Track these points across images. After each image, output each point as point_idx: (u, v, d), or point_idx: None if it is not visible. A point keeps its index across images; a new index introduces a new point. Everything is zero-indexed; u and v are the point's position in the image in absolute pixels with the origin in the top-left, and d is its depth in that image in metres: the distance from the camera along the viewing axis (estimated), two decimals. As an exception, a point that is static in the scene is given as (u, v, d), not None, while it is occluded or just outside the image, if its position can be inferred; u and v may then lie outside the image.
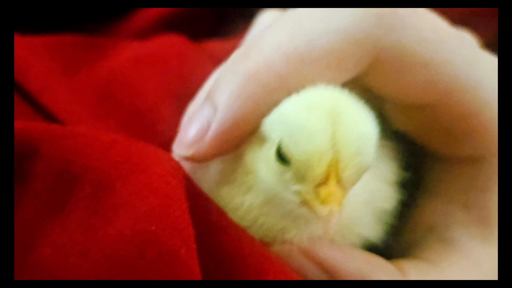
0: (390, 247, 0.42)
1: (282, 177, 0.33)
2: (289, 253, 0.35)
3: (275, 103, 0.34)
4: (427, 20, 0.37)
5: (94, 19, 0.58)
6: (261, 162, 0.34)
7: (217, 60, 0.49)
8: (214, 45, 0.53)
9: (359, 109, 0.33)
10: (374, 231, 0.39)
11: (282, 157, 0.32)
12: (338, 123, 0.31)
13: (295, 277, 0.35)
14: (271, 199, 0.34)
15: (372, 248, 0.39)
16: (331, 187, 0.31)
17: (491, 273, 0.39)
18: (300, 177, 0.32)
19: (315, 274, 0.35)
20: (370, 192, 0.37)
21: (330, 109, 0.32)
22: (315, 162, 0.31)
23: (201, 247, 0.32)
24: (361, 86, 0.37)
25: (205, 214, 0.33)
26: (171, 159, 0.34)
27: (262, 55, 0.34)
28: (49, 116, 0.44)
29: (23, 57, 0.45)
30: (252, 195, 0.35)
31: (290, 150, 0.31)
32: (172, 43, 0.52)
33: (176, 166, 0.34)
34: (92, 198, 0.32)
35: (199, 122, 0.34)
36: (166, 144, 0.42)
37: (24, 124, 0.33)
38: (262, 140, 0.34)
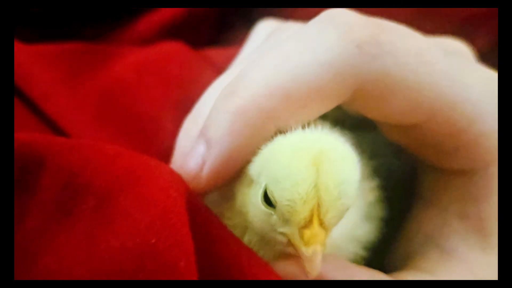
0: (387, 259, 0.42)
1: (268, 219, 0.34)
2: (292, 271, 0.35)
3: (264, 138, 0.35)
4: (408, 42, 0.37)
5: (97, 23, 0.59)
6: (249, 203, 0.35)
7: (218, 67, 0.49)
8: (215, 53, 0.54)
9: (343, 153, 0.34)
10: (365, 229, 0.40)
11: (268, 200, 0.33)
12: (321, 170, 0.32)
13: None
14: (265, 238, 0.36)
15: (371, 261, 0.39)
16: (314, 229, 0.32)
17: None
18: (285, 220, 0.33)
19: None
20: None
21: (314, 155, 0.33)
22: (299, 208, 0.32)
23: (200, 259, 0.32)
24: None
25: (205, 227, 0.34)
26: (173, 173, 0.35)
27: (249, 91, 0.35)
28: (51, 123, 0.44)
29: (26, 64, 0.46)
30: (250, 234, 0.37)
31: (275, 196, 0.33)
32: (173, 50, 0.52)
33: (178, 180, 0.35)
34: (95, 210, 0.33)
35: (195, 159, 0.36)
36: (167, 151, 0.42)
37: (29, 136, 0.34)
38: (251, 181, 0.35)
